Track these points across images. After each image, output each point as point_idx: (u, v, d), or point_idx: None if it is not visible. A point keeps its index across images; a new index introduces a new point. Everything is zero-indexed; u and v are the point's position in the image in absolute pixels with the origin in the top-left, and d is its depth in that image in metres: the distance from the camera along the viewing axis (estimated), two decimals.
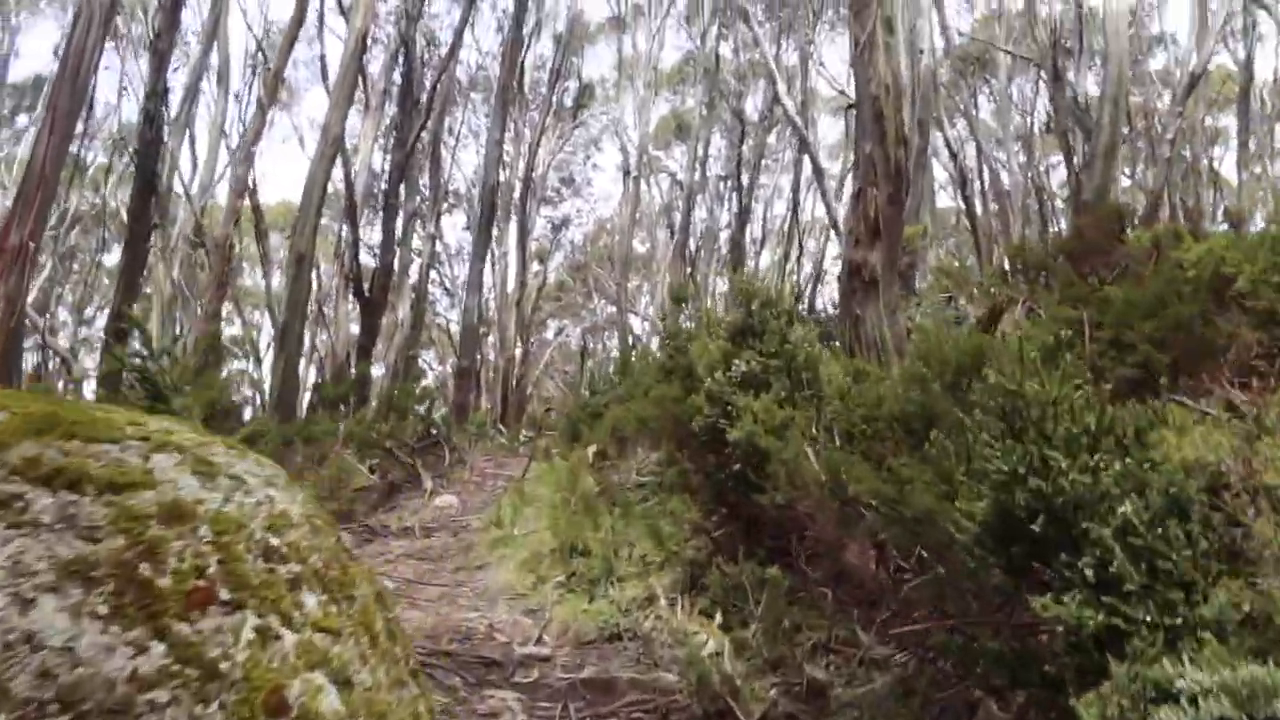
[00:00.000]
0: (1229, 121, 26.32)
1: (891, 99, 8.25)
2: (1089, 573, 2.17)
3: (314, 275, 30.86)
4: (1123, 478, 2.27)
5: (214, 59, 18.59)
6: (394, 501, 8.72)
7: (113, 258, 27.04)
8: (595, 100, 32.87)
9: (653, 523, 5.60)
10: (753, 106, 27.63)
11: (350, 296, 18.50)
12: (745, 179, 26.17)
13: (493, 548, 6.33)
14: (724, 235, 32.27)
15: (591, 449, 7.87)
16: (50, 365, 20.86)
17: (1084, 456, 2.33)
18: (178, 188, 21.85)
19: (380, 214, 18.09)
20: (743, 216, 25.79)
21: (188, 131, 21.42)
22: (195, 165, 20.88)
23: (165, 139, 13.76)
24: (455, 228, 33.86)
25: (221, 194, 19.69)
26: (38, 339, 20.10)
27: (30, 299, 25.01)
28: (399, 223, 18.59)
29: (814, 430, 3.96)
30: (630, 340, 24.75)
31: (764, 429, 3.92)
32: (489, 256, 26.02)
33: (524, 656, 4.22)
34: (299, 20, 14.47)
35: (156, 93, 13.60)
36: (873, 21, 8.05)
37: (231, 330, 33.48)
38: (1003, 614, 2.75)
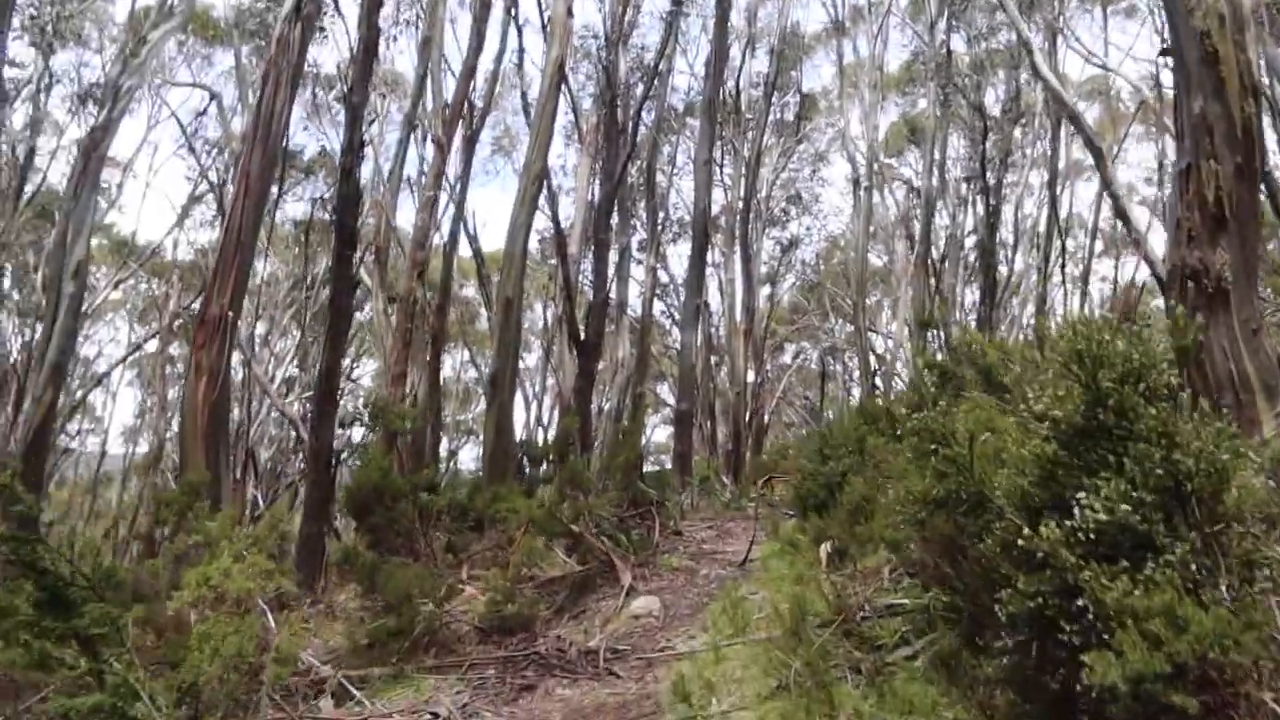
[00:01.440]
0: None
1: (1230, 31, 5.70)
2: None
3: (543, 316, 30.42)
4: None
5: (428, 106, 17.97)
6: (584, 602, 6.98)
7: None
8: (818, 112, 30.60)
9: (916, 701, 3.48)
10: (993, 98, 24.44)
11: (567, 340, 17.29)
12: (991, 178, 23.03)
13: None
14: (969, 241, 29.04)
15: (825, 550, 5.77)
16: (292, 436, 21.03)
17: None
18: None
19: (591, 245, 16.78)
20: (991, 219, 22.62)
21: (407, 184, 21.25)
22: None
23: (362, 194, 12.95)
24: (681, 257, 32.43)
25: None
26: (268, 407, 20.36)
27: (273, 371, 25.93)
28: (611, 258, 17.20)
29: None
30: (872, 366, 22.21)
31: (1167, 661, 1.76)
32: (716, 284, 24.37)
33: None
34: (476, 48, 13.35)
35: (352, 148, 12.79)
36: None
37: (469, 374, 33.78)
38: None
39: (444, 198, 18.00)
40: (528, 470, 11.63)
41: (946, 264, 25.39)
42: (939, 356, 8.63)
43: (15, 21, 19.91)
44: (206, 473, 10.66)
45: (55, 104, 24.28)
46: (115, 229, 30.20)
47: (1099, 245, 28.34)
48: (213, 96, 22.56)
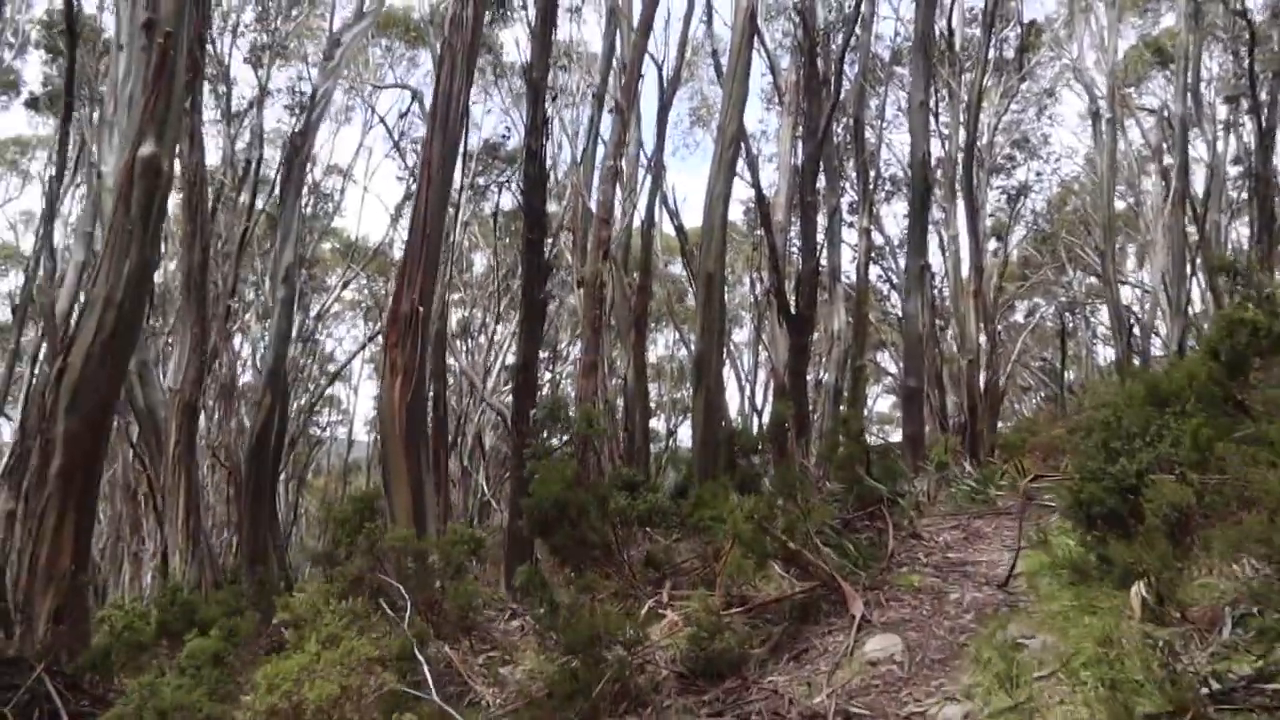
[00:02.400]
0: None
1: None
2: None
3: (751, 291, 29.01)
4: None
5: (615, 82, 16.97)
6: (806, 636, 5.66)
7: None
8: (1042, 45, 27.30)
9: None
10: (1258, 2, 20.65)
11: (776, 314, 15.87)
12: (1264, 95, 19.45)
13: None
14: (1232, 172, 24.99)
15: (1139, 594, 4.17)
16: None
17: None
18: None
19: (797, 212, 15.24)
20: (1266, 141, 19.10)
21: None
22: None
23: (548, 175, 12.07)
24: (896, 216, 30.05)
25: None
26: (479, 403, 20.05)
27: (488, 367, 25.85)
28: (820, 222, 15.58)
29: None
30: (1126, 322, 19.29)
31: None
32: (936, 242, 22.07)
33: None
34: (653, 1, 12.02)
35: (536, 127, 11.98)
36: None
37: (681, 352, 32.88)
38: None
39: (641, 173, 17.02)
40: (740, 462, 10.37)
41: (1211, 200, 21.84)
42: (1249, 310, 6.62)
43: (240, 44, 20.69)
44: (405, 480, 10.18)
45: (281, 115, 25.25)
46: (345, 233, 31.59)
47: None
48: (414, 95, 22.65)
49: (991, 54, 19.94)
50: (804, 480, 7.91)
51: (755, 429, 18.32)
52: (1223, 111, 24.55)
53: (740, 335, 32.06)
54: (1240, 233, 27.13)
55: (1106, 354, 34.75)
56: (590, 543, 6.41)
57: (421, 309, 10.74)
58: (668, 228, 21.34)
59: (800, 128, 17.80)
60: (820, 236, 15.63)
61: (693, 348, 14.24)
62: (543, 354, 19.74)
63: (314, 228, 27.94)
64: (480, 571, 7.80)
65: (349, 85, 26.37)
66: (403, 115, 26.21)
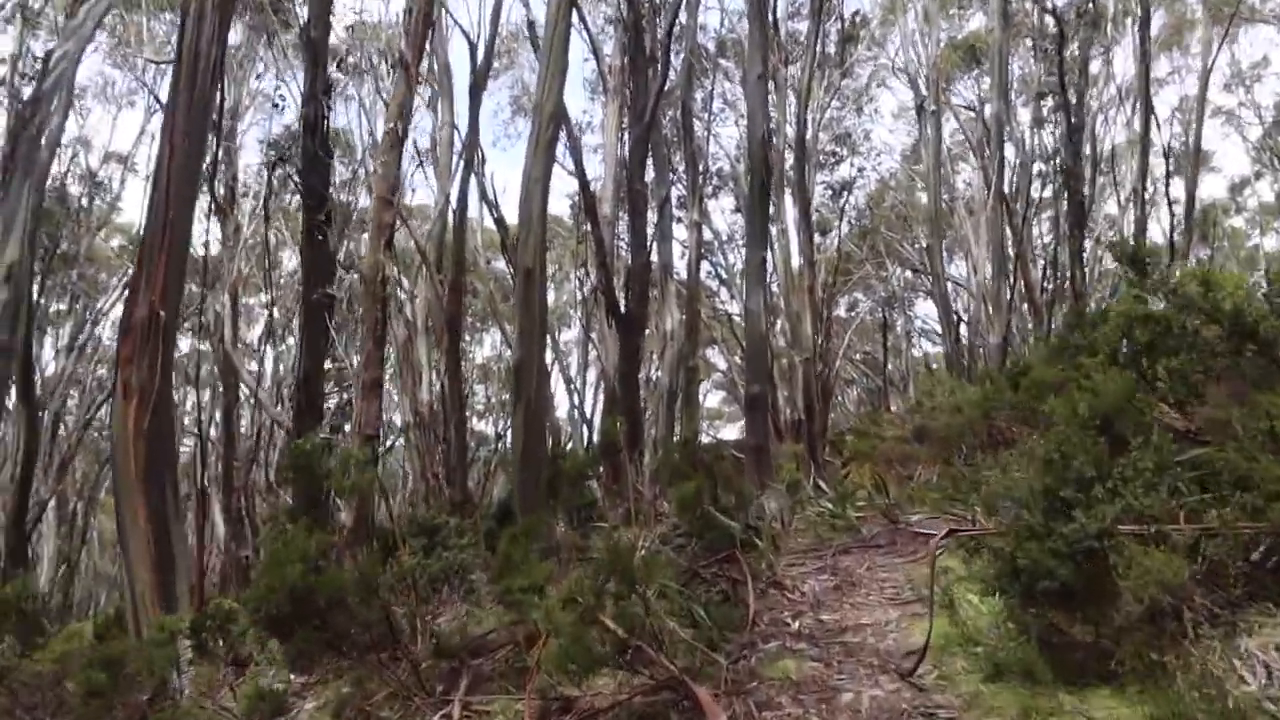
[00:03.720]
0: None
1: None
2: None
3: (579, 290, 27.28)
4: None
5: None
6: None
7: None
8: (861, 41, 26.92)
9: None
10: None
11: (605, 313, 14.25)
12: (1071, 94, 19.37)
13: None
14: (1035, 170, 25.21)
15: None
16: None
17: None
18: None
19: (625, 204, 13.66)
20: (1074, 137, 19.00)
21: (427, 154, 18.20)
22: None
23: (333, 152, 9.89)
24: (724, 211, 29.00)
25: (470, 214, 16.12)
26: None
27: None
28: (650, 214, 14.02)
29: None
30: (955, 316, 18.78)
31: None
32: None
33: None
34: None
35: (315, 95, 9.79)
36: None
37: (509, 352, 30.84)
38: None
39: (456, 160, 14.96)
40: (566, 490, 8.61)
41: (1019, 196, 21.78)
42: (1151, 301, 5.43)
43: None
44: (142, 525, 7.87)
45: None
46: (134, 228, 27.65)
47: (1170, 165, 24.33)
48: None
49: (818, 46, 18.96)
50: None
51: (586, 441, 16.62)
52: (1025, 116, 24.76)
53: (570, 334, 30.32)
54: (1040, 229, 27.62)
55: (924, 346, 35.17)
56: (351, 638, 4.48)
57: (163, 313, 8.38)
58: (490, 223, 19.39)
59: (626, 116, 16.23)
60: (650, 230, 14.06)
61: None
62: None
63: (89, 222, 24.27)
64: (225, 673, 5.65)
65: (124, 62, 22.97)
66: None
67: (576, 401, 18.65)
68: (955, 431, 9.20)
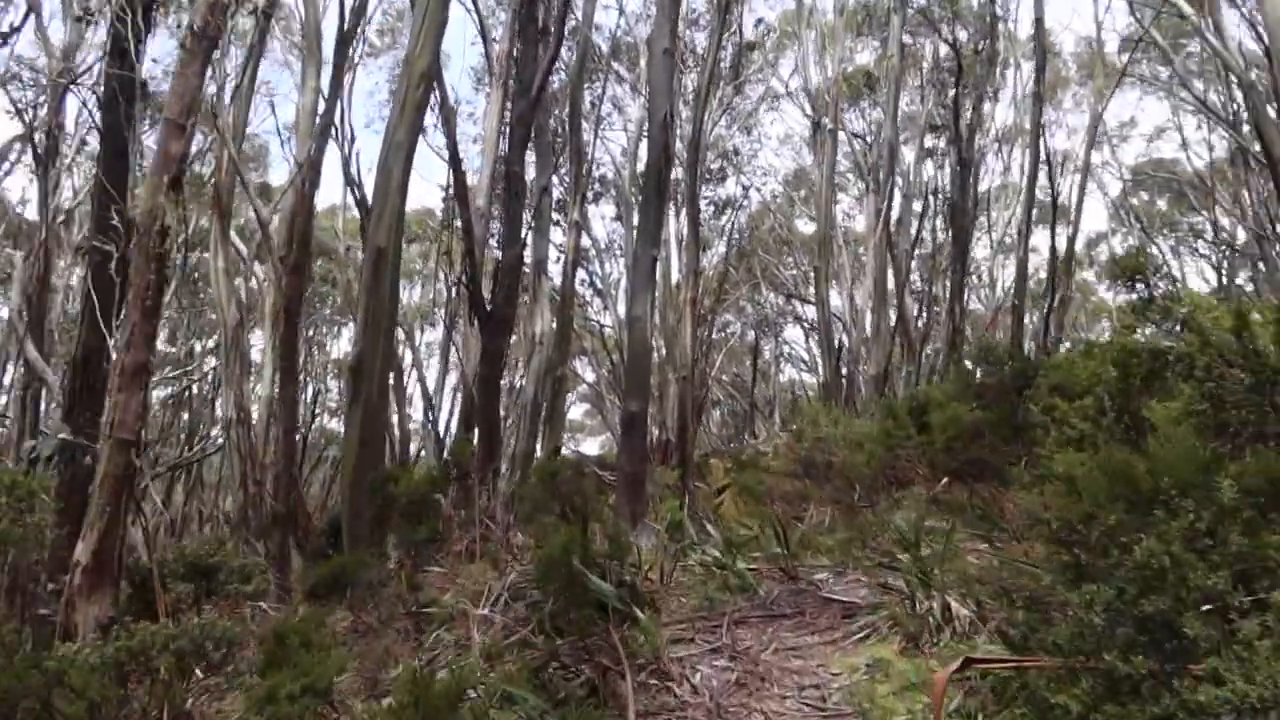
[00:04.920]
0: None
1: None
2: None
3: (446, 289, 25.27)
4: None
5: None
6: None
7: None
8: (755, 64, 26.12)
9: None
10: (965, 36, 20.19)
11: (469, 311, 12.55)
12: (963, 128, 18.93)
13: None
14: (916, 206, 24.88)
15: None
16: None
17: None
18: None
19: (500, 191, 12.06)
20: (965, 172, 18.53)
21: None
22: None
23: (140, 103, 7.85)
24: (604, 218, 27.63)
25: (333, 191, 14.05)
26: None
27: None
28: (527, 204, 12.42)
29: None
30: (836, 343, 17.88)
31: None
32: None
33: None
34: None
35: (132, 7, 7.76)
36: None
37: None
38: None
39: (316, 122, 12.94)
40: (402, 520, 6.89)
41: (902, 227, 21.29)
42: (1145, 331, 4.28)
43: None
44: None
45: None
46: None
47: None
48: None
49: (720, 51, 17.82)
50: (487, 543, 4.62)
51: (439, 454, 14.80)
52: (908, 152, 24.44)
53: (434, 334, 28.17)
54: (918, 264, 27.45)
55: (790, 372, 34.73)
56: None
57: None
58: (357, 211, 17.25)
59: (510, 106, 14.58)
60: (527, 219, 12.45)
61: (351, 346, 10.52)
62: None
63: None
64: None
65: None
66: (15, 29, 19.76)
67: (433, 414, 16.71)
68: (857, 470, 8.00)
